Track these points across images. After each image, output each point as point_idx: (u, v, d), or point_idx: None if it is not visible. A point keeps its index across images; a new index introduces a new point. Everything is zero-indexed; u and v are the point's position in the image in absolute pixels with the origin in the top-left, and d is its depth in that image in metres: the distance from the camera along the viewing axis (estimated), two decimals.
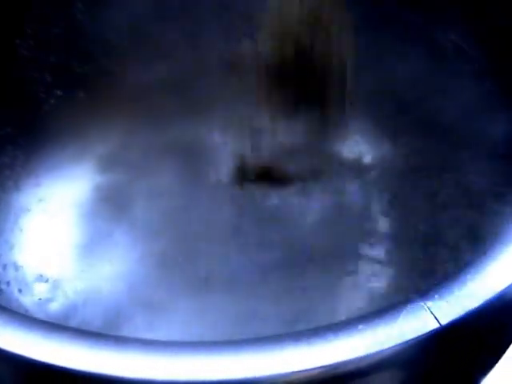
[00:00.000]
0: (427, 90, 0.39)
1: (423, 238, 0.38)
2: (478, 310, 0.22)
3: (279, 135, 0.42)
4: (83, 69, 0.41)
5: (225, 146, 0.43)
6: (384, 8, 0.40)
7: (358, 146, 0.42)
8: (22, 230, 0.39)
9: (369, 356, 0.21)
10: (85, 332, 0.23)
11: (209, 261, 0.40)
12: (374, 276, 0.39)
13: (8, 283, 0.38)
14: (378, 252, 0.40)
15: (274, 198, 0.42)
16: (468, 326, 0.23)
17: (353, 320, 0.22)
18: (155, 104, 0.42)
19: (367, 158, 0.41)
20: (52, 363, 0.22)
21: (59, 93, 0.40)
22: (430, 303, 0.22)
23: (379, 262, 0.39)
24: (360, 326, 0.21)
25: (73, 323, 0.37)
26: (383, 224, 0.40)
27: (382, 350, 0.21)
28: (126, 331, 0.37)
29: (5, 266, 0.38)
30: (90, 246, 0.40)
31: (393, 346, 0.21)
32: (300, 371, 0.21)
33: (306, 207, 0.41)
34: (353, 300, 0.38)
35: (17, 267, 0.38)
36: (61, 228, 0.40)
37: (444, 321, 0.22)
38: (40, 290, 0.38)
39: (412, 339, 0.21)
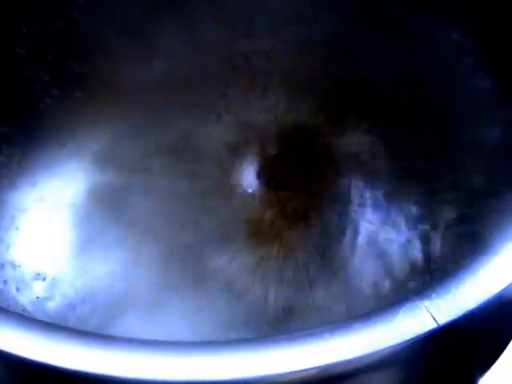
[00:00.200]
0: (427, 89, 0.39)
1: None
2: (476, 309, 0.22)
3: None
4: (80, 68, 0.41)
5: (223, 146, 0.43)
6: (384, 8, 0.40)
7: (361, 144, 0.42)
8: (18, 229, 0.39)
9: (366, 356, 0.21)
10: (81, 332, 0.23)
11: (206, 261, 0.40)
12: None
13: (5, 282, 0.38)
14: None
15: (272, 197, 0.42)
16: (466, 326, 0.23)
17: (350, 319, 0.22)
18: (152, 104, 0.42)
19: (366, 156, 0.41)
20: (48, 363, 0.21)
21: (56, 92, 0.40)
22: (427, 302, 0.22)
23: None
24: (357, 326, 0.21)
25: (70, 322, 0.37)
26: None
27: (380, 350, 0.21)
28: (123, 330, 0.38)
29: (2, 265, 0.38)
30: (87, 245, 0.40)
31: (390, 346, 0.21)
32: (297, 371, 0.21)
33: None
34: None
35: (14, 266, 0.38)
36: (57, 227, 0.40)
37: (442, 320, 0.22)
38: (37, 288, 0.38)
39: (409, 339, 0.21)
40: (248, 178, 0.42)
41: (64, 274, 0.39)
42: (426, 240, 0.38)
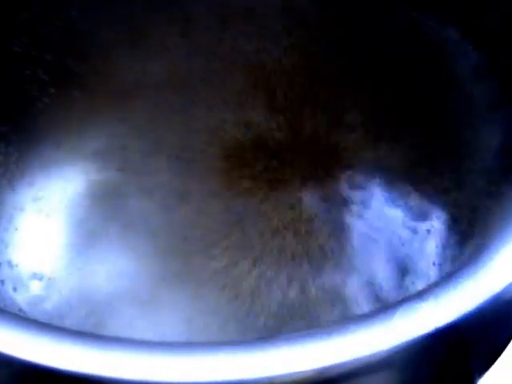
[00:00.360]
0: (426, 90, 0.39)
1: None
2: (475, 311, 0.22)
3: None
4: (79, 68, 0.41)
5: (222, 145, 0.42)
6: (383, 8, 0.40)
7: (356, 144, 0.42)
8: (16, 229, 0.39)
9: (363, 358, 0.21)
10: (78, 332, 0.23)
11: (206, 259, 0.40)
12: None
13: (2, 282, 0.37)
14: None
15: (272, 197, 0.42)
16: (464, 328, 0.23)
17: (347, 321, 0.22)
18: (151, 103, 0.42)
19: (364, 156, 0.41)
20: (43, 364, 0.21)
21: (54, 91, 0.40)
22: (425, 304, 0.22)
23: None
24: (354, 328, 0.21)
25: (67, 322, 0.37)
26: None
27: (377, 352, 0.21)
28: (122, 330, 0.37)
29: None
30: (85, 245, 0.40)
31: (387, 348, 0.21)
32: (293, 373, 0.21)
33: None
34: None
35: (11, 266, 0.38)
36: (55, 226, 0.40)
37: (440, 322, 0.22)
38: (34, 288, 0.38)
39: (407, 341, 0.21)
40: (247, 177, 0.42)
41: (61, 273, 0.39)
42: (424, 241, 0.38)
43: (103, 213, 0.41)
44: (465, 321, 0.22)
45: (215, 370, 0.21)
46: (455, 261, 0.35)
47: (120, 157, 0.42)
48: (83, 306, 0.38)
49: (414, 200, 0.39)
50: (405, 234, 0.39)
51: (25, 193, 0.40)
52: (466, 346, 0.25)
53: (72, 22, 0.40)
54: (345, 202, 0.41)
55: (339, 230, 0.40)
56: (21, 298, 0.38)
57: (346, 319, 0.21)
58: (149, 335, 0.37)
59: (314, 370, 0.21)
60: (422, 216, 0.39)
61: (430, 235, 0.38)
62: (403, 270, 0.38)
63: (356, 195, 0.41)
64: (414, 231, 0.39)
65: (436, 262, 0.37)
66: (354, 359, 0.21)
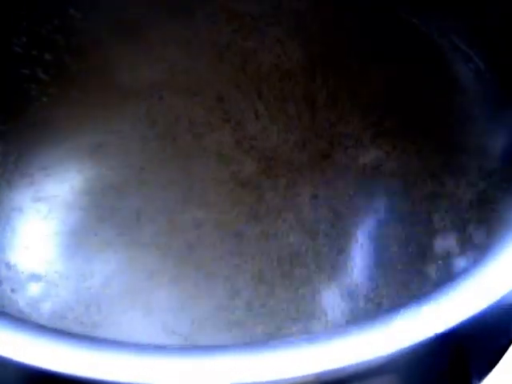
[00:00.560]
0: (426, 91, 0.39)
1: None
2: (474, 317, 0.22)
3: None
4: (78, 67, 0.41)
5: (222, 144, 0.42)
6: (384, 9, 0.40)
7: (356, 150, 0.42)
8: (14, 230, 0.39)
9: (363, 363, 0.21)
10: (76, 335, 0.22)
11: (206, 257, 0.40)
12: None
13: (0, 283, 0.37)
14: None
15: (272, 194, 0.42)
16: (464, 333, 0.22)
17: (347, 326, 0.22)
18: (151, 103, 0.42)
19: (363, 160, 0.41)
20: (41, 367, 0.21)
21: (53, 91, 0.40)
22: (425, 309, 0.22)
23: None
24: (354, 332, 0.21)
25: (65, 323, 0.37)
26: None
27: (377, 357, 0.21)
28: (121, 330, 0.38)
29: None
30: (83, 245, 0.40)
31: (387, 353, 0.21)
32: (292, 378, 0.21)
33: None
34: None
35: (9, 266, 0.38)
36: (53, 227, 0.40)
37: (440, 328, 0.22)
38: (33, 289, 0.38)
39: (407, 346, 0.21)
40: (247, 176, 0.42)
41: (59, 274, 0.39)
42: (425, 245, 0.38)
43: (102, 213, 0.41)
44: (464, 326, 0.22)
45: (214, 374, 0.21)
46: (455, 266, 0.35)
47: (119, 157, 0.42)
48: (81, 307, 0.38)
49: (414, 204, 0.39)
50: (405, 239, 0.39)
51: (23, 193, 0.40)
52: (465, 351, 0.25)
53: (71, 22, 0.40)
54: (343, 205, 0.41)
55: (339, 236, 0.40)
56: (19, 299, 0.38)
57: (347, 324, 0.21)
58: (147, 337, 0.37)
59: (313, 375, 0.21)
60: (422, 220, 0.38)
61: (430, 240, 0.38)
62: (401, 275, 0.38)
63: (355, 197, 0.41)
64: (415, 236, 0.38)
65: (436, 267, 0.37)
66: (354, 364, 0.21)
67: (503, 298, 0.22)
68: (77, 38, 0.40)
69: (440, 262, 0.37)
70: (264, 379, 0.21)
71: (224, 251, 0.40)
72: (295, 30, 0.42)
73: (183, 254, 0.40)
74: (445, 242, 0.37)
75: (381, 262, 0.39)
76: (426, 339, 0.22)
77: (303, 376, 0.20)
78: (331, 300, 0.38)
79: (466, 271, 0.23)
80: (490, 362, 0.27)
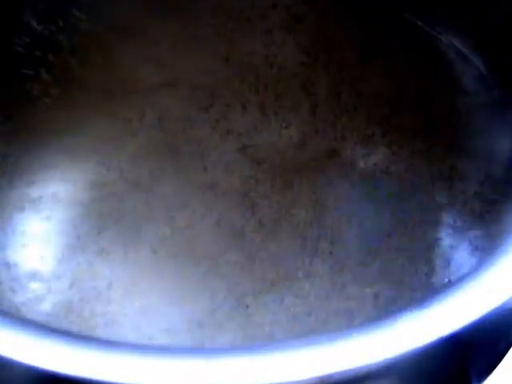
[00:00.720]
0: (427, 93, 0.39)
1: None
2: (478, 320, 0.22)
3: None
4: (80, 68, 0.41)
5: (223, 145, 0.42)
6: (384, 9, 0.40)
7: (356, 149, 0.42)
8: (14, 229, 0.39)
9: (365, 365, 0.21)
10: (75, 335, 0.22)
11: (206, 260, 0.40)
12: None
13: (0, 282, 0.37)
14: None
15: (274, 196, 0.42)
16: (466, 336, 0.22)
17: (349, 329, 0.21)
18: (152, 104, 0.42)
19: (364, 161, 0.41)
20: (41, 367, 0.21)
21: (55, 91, 0.40)
22: (427, 312, 0.22)
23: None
24: (357, 335, 0.21)
25: (65, 323, 0.37)
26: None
27: (379, 360, 0.21)
28: (122, 330, 0.37)
29: None
30: (84, 245, 0.40)
31: (390, 356, 0.21)
32: (296, 381, 0.20)
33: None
34: None
35: (9, 266, 0.38)
36: (54, 227, 0.40)
37: (442, 331, 0.21)
38: (32, 289, 0.38)
39: (409, 349, 0.21)
40: (247, 175, 0.42)
41: (59, 274, 0.39)
42: (427, 249, 0.38)
43: (102, 213, 0.41)
44: (468, 330, 0.22)
45: (217, 376, 0.21)
46: (457, 270, 0.35)
47: (120, 157, 0.42)
48: (81, 307, 0.38)
49: (416, 207, 0.39)
50: (407, 242, 0.39)
51: (24, 193, 0.40)
52: (467, 353, 0.25)
53: (74, 22, 0.40)
54: (345, 207, 0.41)
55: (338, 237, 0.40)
56: (19, 299, 0.37)
57: (348, 327, 0.21)
58: (147, 337, 0.37)
59: (315, 378, 0.20)
60: (424, 224, 0.38)
61: (432, 244, 0.38)
62: (403, 278, 0.38)
63: (356, 201, 0.41)
64: (417, 240, 0.38)
65: (438, 271, 0.37)
66: (356, 367, 0.21)
67: (506, 303, 0.22)
68: (80, 40, 0.41)
69: (442, 266, 0.37)
70: (266, 382, 0.20)
71: (224, 251, 0.40)
72: (296, 30, 0.42)
73: (184, 253, 0.40)
74: (447, 247, 0.37)
75: (384, 265, 0.39)
76: (430, 343, 0.22)
77: (307, 379, 0.20)
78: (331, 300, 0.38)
79: (468, 275, 0.23)
80: (490, 364, 0.27)
